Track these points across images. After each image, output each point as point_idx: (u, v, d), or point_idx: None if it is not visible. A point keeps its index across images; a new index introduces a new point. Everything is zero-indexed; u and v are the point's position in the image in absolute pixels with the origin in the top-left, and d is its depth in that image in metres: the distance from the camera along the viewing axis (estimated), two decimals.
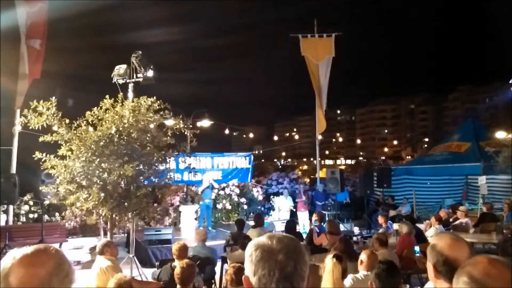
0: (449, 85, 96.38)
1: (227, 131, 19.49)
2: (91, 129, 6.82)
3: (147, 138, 6.94)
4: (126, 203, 6.70)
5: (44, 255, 1.19)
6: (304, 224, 12.69)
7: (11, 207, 10.97)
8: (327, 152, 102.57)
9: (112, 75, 7.98)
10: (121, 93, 7.14)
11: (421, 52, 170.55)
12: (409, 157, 71.82)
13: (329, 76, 14.61)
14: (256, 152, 41.30)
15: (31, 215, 12.05)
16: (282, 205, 13.62)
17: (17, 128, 10.74)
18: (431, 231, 8.39)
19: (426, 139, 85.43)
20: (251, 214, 14.11)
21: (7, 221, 10.99)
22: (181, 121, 7.44)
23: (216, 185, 13.48)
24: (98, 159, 6.49)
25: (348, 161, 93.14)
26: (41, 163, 6.62)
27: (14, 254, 1.18)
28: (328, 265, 3.27)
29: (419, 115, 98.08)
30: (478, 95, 79.60)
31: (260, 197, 15.57)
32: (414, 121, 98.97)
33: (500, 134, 14.72)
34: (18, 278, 1.12)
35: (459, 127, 18.36)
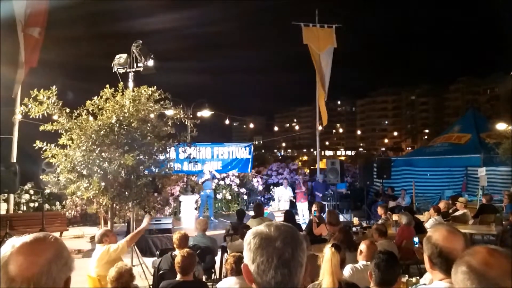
0: (450, 76, 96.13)
1: (227, 121, 19.47)
2: (91, 118, 6.81)
3: (148, 128, 6.94)
4: (126, 193, 6.72)
5: (43, 243, 1.19)
6: (303, 214, 12.74)
7: (11, 196, 11.00)
8: (327, 143, 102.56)
9: (112, 65, 7.95)
10: (121, 83, 7.12)
11: (422, 43, 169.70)
12: (409, 148, 71.84)
13: (330, 67, 14.57)
14: (256, 142, 41.28)
15: (31, 204, 12.08)
16: (282, 196, 13.65)
17: (18, 117, 10.73)
18: (430, 222, 8.41)
19: (427, 131, 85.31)
20: (251, 204, 14.14)
21: (7, 210, 11.04)
22: (181, 111, 7.44)
23: (217, 175, 13.50)
24: (98, 149, 6.49)
25: (348, 152, 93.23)
26: (41, 152, 6.63)
27: (14, 242, 1.17)
28: (326, 254, 3.28)
29: (419, 106, 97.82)
30: (479, 86, 79.35)
31: (260, 188, 15.60)
32: (415, 112, 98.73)
33: (501, 126, 14.64)
34: (17, 266, 1.12)
35: (460, 119, 18.35)
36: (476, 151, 13.34)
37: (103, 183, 6.49)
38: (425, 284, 2.97)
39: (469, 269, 1.21)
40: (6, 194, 10.76)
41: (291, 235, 1.21)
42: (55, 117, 6.65)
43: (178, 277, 4.21)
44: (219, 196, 14.39)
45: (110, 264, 4.28)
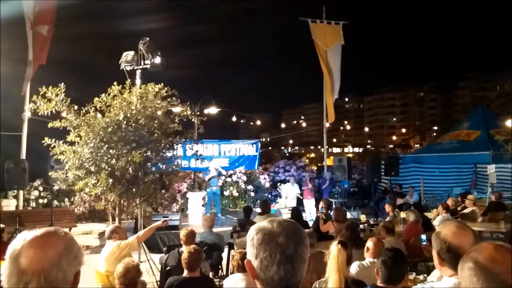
0: (459, 72, 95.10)
1: (234, 119, 19.47)
2: (99, 115, 6.86)
3: (155, 125, 6.97)
4: (134, 189, 6.76)
5: (54, 237, 1.21)
6: (310, 211, 12.73)
7: (21, 192, 11.11)
8: (334, 140, 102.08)
9: (119, 62, 7.99)
10: (128, 80, 7.16)
11: (430, 39, 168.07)
12: (418, 145, 71.40)
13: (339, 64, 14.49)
14: (263, 139, 41.22)
15: (40, 201, 12.22)
16: (288, 193, 13.65)
17: (27, 114, 10.83)
18: (438, 219, 8.36)
19: (435, 127, 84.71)
20: (258, 201, 14.17)
21: (17, 206, 11.16)
22: (188, 108, 7.45)
23: (224, 172, 13.53)
24: (106, 145, 6.54)
25: (356, 149, 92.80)
26: (50, 149, 6.69)
27: (25, 235, 1.19)
28: (333, 251, 3.28)
29: (428, 103, 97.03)
30: (488, 83, 78.49)
31: (267, 185, 15.61)
32: (423, 109, 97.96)
33: (510, 123, 14.51)
34: (28, 259, 1.13)
35: (469, 115, 18.18)
36: (485, 148, 13.22)
37: (110, 180, 6.54)
38: (432, 281, 2.95)
39: (476, 265, 1.20)
40: (15, 191, 10.87)
41: (294, 230, 1.21)
42: (63, 114, 6.71)
43: (185, 273, 4.24)
44: (226, 193, 14.43)
45: (120, 260, 4.30)
